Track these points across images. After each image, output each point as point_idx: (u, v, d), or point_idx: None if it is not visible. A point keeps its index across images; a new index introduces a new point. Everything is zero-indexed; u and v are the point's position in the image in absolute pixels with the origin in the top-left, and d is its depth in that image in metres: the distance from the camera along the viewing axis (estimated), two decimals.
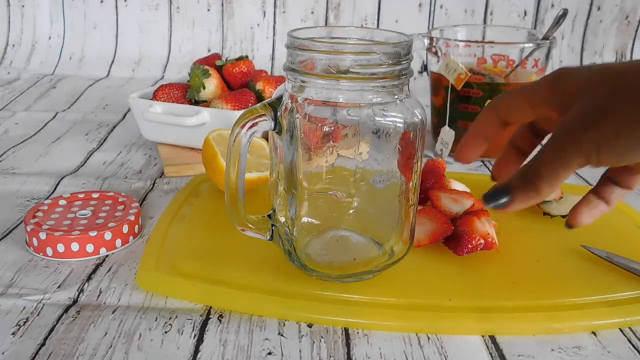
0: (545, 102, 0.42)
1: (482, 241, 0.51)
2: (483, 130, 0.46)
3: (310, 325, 0.46)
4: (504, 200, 0.42)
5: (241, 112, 0.66)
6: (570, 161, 0.38)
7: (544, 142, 0.44)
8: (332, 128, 0.43)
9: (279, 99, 0.46)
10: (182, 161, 0.75)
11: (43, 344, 0.43)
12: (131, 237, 0.57)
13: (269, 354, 0.43)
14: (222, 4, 1.29)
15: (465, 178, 0.72)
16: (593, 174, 0.78)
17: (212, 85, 0.80)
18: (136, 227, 0.58)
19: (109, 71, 1.26)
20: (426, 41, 0.80)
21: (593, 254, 0.53)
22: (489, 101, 0.76)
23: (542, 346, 0.44)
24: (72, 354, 0.42)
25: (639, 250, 0.54)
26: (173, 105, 0.77)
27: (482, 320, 0.45)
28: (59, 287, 0.50)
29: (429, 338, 0.45)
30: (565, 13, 0.78)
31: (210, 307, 0.48)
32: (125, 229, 0.56)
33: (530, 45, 0.77)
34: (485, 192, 0.43)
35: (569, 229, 0.46)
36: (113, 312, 0.47)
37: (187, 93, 0.80)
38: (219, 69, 0.84)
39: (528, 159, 0.44)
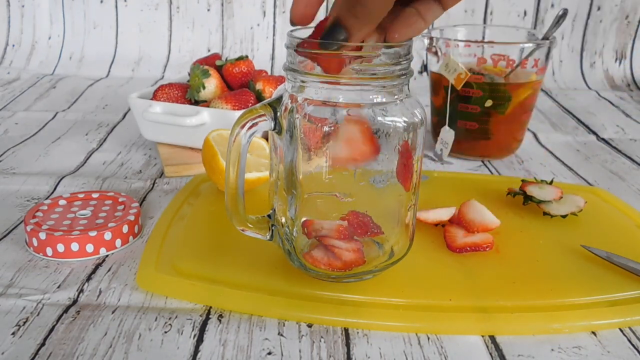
0: None
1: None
2: None
3: (310, 325, 0.46)
4: (342, 36, 0.40)
5: (241, 112, 0.66)
6: None
7: None
8: (332, 128, 0.43)
9: (279, 99, 0.46)
10: (182, 161, 0.75)
11: (43, 344, 0.43)
12: (131, 237, 0.57)
13: (269, 354, 0.43)
14: (222, 4, 1.29)
15: (465, 178, 0.72)
16: (593, 174, 0.78)
17: (212, 85, 0.80)
18: (136, 227, 0.58)
19: (109, 71, 1.26)
20: (426, 41, 0.80)
21: (593, 254, 0.53)
22: (489, 101, 0.76)
23: (542, 346, 0.44)
24: (72, 354, 0.42)
25: (639, 250, 0.54)
26: (173, 105, 0.77)
27: (482, 320, 0.45)
28: (58, 287, 0.50)
29: (429, 338, 0.45)
30: (565, 13, 0.78)
31: (210, 307, 0.48)
32: (125, 229, 0.56)
33: (530, 45, 0.77)
34: (319, 39, 0.40)
35: (390, 42, 0.43)
36: (113, 312, 0.47)
37: (187, 93, 0.80)
38: (219, 69, 0.84)
39: None
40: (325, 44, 0.40)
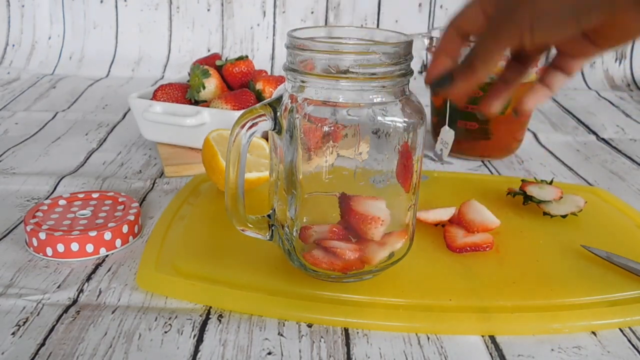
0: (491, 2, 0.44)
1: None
2: (448, 49, 0.47)
3: (310, 325, 0.46)
4: (445, 81, 0.44)
5: (241, 112, 0.66)
6: (501, 35, 0.40)
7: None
8: (332, 128, 0.43)
9: (279, 99, 0.46)
10: (182, 161, 0.75)
11: (43, 344, 0.43)
12: (131, 237, 0.57)
13: (269, 354, 0.43)
14: (222, 4, 1.29)
15: (465, 178, 0.72)
16: (593, 174, 0.78)
17: (212, 85, 0.80)
18: (136, 227, 0.58)
19: (109, 71, 1.26)
20: (426, 41, 0.79)
21: (593, 254, 0.53)
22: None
23: (542, 346, 0.44)
24: (72, 354, 0.42)
25: (639, 250, 0.54)
26: (173, 105, 0.77)
27: (482, 320, 0.45)
28: (58, 287, 0.50)
29: (429, 338, 0.45)
30: None
31: (210, 307, 0.48)
32: (125, 229, 0.56)
33: None
34: (432, 82, 0.45)
35: (516, 116, 0.49)
36: (113, 312, 0.47)
37: (187, 93, 0.80)
38: (219, 69, 0.84)
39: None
40: (433, 83, 0.45)
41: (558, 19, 0.38)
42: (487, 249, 0.53)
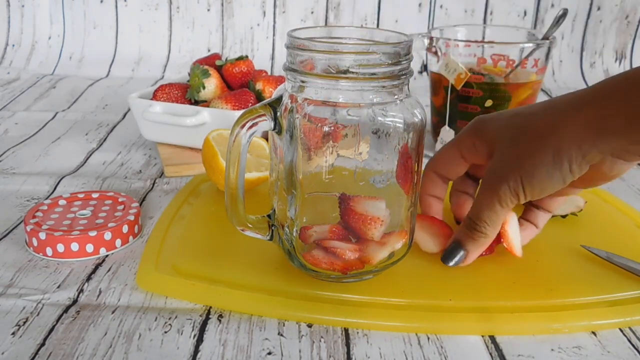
0: (472, 150, 0.49)
1: None
2: (431, 191, 0.53)
3: (310, 325, 0.46)
4: (460, 255, 0.48)
5: (241, 112, 0.66)
6: (504, 200, 0.45)
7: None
8: (332, 128, 0.43)
9: (279, 99, 0.46)
10: (182, 161, 0.75)
11: (43, 344, 0.43)
12: (131, 237, 0.57)
13: (269, 354, 0.43)
14: (222, 4, 1.29)
15: None
16: None
17: (212, 85, 0.80)
18: (136, 227, 0.58)
19: (109, 71, 1.26)
20: (426, 41, 0.80)
21: (593, 254, 0.53)
22: (489, 101, 0.76)
23: (542, 346, 0.44)
24: (72, 354, 0.42)
25: (639, 250, 0.54)
26: (173, 105, 0.77)
27: (482, 320, 0.45)
28: (58, 287, 0.50)
29: (429, 338, 0.45)
30: (565, 13, 0.78)
31: (210, 307, 0.48)
32: (125, 229, 0.56)
33: (530, 45, 0.77)
34: (442, 256, 0.49)
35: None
36: (113, 312, 0.47)
37: (187, 93, 0.80)
38: (219, 69, 0.84)
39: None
40: (446, 260, 0.49)
41: (544, 179, 0.43)
42: (485, 253, 0.52)
